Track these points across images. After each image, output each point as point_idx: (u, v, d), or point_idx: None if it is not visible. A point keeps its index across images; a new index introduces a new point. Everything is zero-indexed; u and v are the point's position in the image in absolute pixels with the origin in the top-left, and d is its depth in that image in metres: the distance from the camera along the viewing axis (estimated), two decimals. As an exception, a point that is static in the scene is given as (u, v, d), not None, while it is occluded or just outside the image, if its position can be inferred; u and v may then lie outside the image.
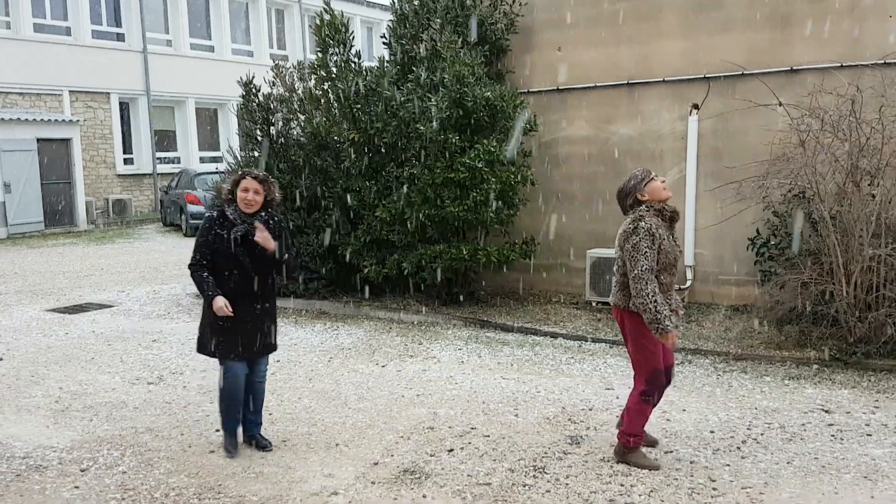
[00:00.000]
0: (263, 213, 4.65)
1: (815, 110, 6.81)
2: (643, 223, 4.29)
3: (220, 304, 4.49)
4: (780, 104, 7.34)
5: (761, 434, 5.02)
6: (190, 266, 4.63)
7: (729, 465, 4.54)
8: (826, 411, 5.44)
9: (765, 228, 7.63)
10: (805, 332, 6.85)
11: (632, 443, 4.53)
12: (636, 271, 4.23)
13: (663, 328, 4.21)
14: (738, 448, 4.80)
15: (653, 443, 4.78)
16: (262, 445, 4.86)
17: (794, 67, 7.89)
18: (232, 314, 4.51)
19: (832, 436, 4.98)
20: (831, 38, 7.75)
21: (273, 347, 4.88)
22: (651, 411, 4.56)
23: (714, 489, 4.22)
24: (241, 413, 4.84)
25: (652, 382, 4.44)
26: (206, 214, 4.77)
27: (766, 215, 7.53)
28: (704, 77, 8.38)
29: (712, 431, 5.08)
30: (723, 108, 8.26)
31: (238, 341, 4.64)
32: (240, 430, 4.89)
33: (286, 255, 4.67)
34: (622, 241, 4.36)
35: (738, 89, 8.14)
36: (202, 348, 4.75)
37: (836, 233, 6.51)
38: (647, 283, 4.21)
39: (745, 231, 7.90)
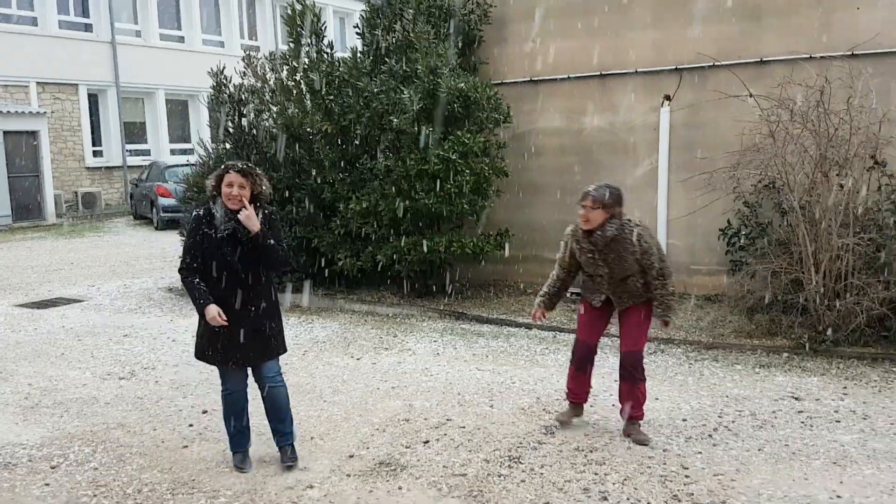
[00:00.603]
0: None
1: (784, 101, 6.89)
2: (569, 227, 4.93)
3: (213, 313, 4.19)
4: (751, 95, 7.41)
5: (732, 422, 5.09)
6: (180, 270, 4.36)
7: (701, 452, 4.60)
8: (796, 398, 5.53)
9: (735, 219, 7.71)
10: (775, 320, 6.94)
11: (566, 395, 5.14)
12: None
13: (536, 302, 5.06)
14: (710, 436, 4.86)
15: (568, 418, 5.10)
16: (285, 461, 4.47)
17: (764, 59, 7.97)
18: (226, 323, 4.22)
19: (802, 423, 5.06)
20: (800, 30, 7.83)
21: (276, 350, 4.45)
22: (573, 376, 5.03)
23: (686, 476, 4.27)
24: (245, 424, 4.53)
25: (574, 344, 5.07)
26: (193, 213, 4.49)
27: (736, 206, 7.61)
28: (676, 69, 8.44)
29: (684, 419, 5.14)
30: (694, 100, 8.33)
31: (235, 347, 4.33)
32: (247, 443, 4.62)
33: (270, 241, 4.25)
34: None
35: (709, 81, 8.21)
36: (201, 355, 4.46)
37: (806, 222, 6.60)
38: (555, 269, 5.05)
39: (716, 222, 7.97)
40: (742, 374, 6.11)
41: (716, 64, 8.14)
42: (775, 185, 7.12)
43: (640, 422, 4.89)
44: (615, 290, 4.81)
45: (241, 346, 4.32)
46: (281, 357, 4.54)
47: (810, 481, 4.20)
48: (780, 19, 7.94)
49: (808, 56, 7.67)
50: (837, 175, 6.66)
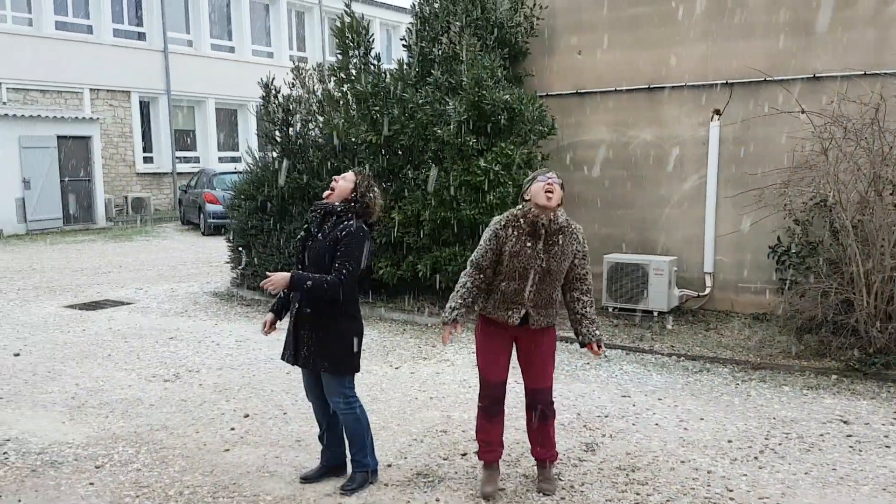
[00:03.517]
0: (339, 205, 4.16)
1: (838, 118, 6.74)
2: (498, 216, 4.15)
3: (264, 319, 4.41)
4: (803, 111, 7.27)
5: (779, 444, 4.96)
6: None
7: (746, 474, 4.49)
8: (845, 422, 5.37)
9: (785, 236, 7.56)
10: (825, 341, 6.77)
11: (479, 454, 4.37)
12: None
13: (443, 317, 4.19)
14: (756, 458, 4.74)
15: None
16: (343, 485, 4.33)
17: (817, 74, 7.82)
18: (265, 334, 4.38)
19: (850, 447, 4.91)
20: (855, 46, 7.67)
21: (315, 364, 4.17)
22: (487, 425, 4.27)
23: (731, 499, 4.17)
24: (321, 434, 4.46)
25: (480, 389, 4.31)
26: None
27: (787, 223, 7.45)
28: (726, 83, 8.32)
29: (730, 441, 5.03)
30: (744, 115, 8.20)
31: (289, 343, 4.27)
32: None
33: (308, 283, 3.98)
34: None
35: (760, 95, 8.08)
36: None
37: (858, 242, 6.44)
38: (464, 273, 4.16)
39: (765, 239, 7.83)
40: (790, 396, 5.96)
41: (767, 79, 8.00)
42: (827, 203, 6.95)
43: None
44: (539, 301, 4.08)
45: (292, 344, 4.24)
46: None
47: (860, 509, 4.08)
48: (834, 34, 7.78)
49: (863, 73, 7.50)
50: (891, 194, 6.49)
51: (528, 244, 4.00)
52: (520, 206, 4.11)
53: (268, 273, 4.06)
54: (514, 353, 4.28)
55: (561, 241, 4.03)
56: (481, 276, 4.10)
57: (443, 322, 4.17)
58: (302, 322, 4.17)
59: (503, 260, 4.04)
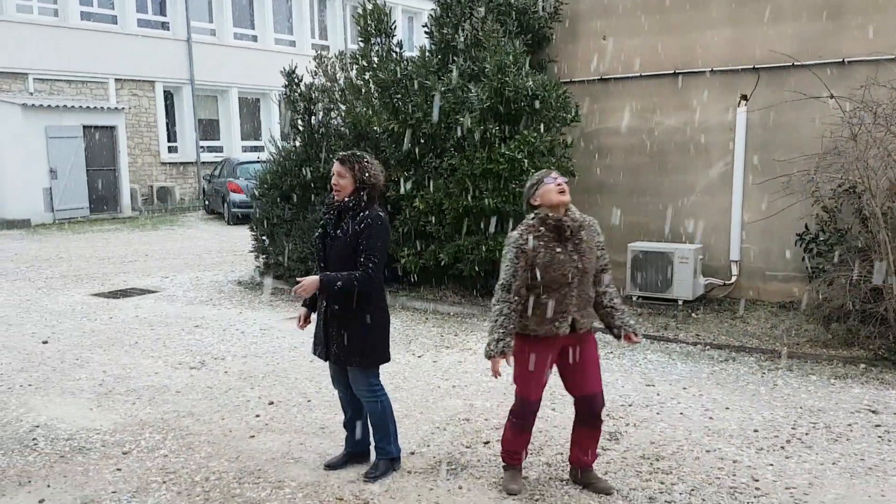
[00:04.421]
0: (350, 199, 4.13)
1: (867, 103, 6.61)
2: (515, 232, 3.91)
3: (299, 313, 4.43)
4: (832, 97, 7.14)
5: (806, 434, 4.91)
6: None
7: (772, 464, 4.44)
8: (873, 412, 5.30)
9: (813, 224, 7.44)
10: (853, 330, 6.67)
11: (503, 457, 4.23)
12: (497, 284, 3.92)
13: (486, 351, 3.88)
14: (783, 448, 4.69)
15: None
16: (367, 472, 4.36)
17: (847, 59, 7.67)
18: (301, 328, 4.41)
19: (879, 437, 4.85)
20: (885, 29, 7.51)
21: (343, 359, 4.20)
22: (518, 438, 4.11)
23: (757, 489, 4.13)
24: (346, 421, 4.50)
25: (516, 407, 4.08)
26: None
27: (815, 210, 7.34)
28: (754, 68, 8.19)
29: (756, 430, 4.97)
30: (772, 100, 8.06)
31: (318, 340, 4.33)
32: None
33: (338, 283, 3.98)
34: None
35: (788, 80, 7.94)
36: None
37: (887, 229, 6.32)
38: (496, 300, 3.89)
39: (793, 226, 7.72)
40: (817, 385, 5.89)
41: (795, 64, 7.87)
42: (856, 190, 6.84)
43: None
44: (581, 303, 3.92)
45: (323, 340, 4.27)
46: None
47: (887, 498, 4.02)
48: (864, 18, 7.62)
49: (893, 57, 7.35)
50: (924, 180, 6.36)
51: (559, 249, 3.84)
52: (531, 216, 3.94)
53: (298, 279, 4.07)
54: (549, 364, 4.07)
55: (585, 237, 3.92)
56: (516, 298, 3.86)
57: (488, 356, 3.88)
58: (331, 319, 4.18)
59: (536, 274, 3.84)
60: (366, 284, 4.02)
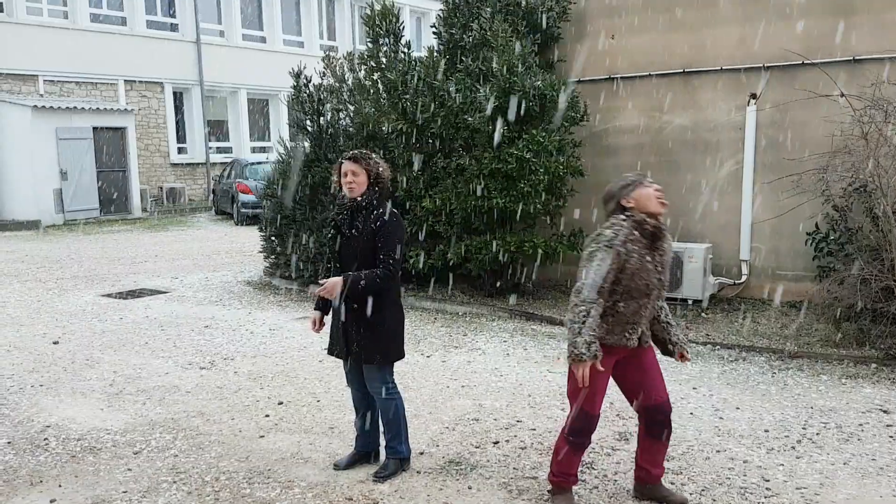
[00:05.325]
0: (362, 198, 4.13)
1: (878, 102, 6.58)
2: (609, 231, 3.63)
3: (311, 316, 4.42)
4: (843, 95, 7.11)
5: (817, 434, 4.88)
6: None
7: (783, 464, 4.43)
8: (884, 411, 5.27)
9: (824, 223, 7.41)
10: (864, 329, 6.64)
11: (553, 480, 3.96)
12: (578, 283, 3.60)
13: (575, 355, 3.52)
14: (793, 448, 4.67)
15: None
16: (376, 471, 4.34)
17: (857, 57, 7.63)
18: (316, 332, 4.38)
19: (891, 437, 4.82)
20: (895, 27, 7.46)
21: (369, 357, 4.19)
22: (575, 457, 3.85)
23: (767, 489, 4.12)
24: (357, 420, 4.49)
25: (577, 422, 3.78)
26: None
27: (825, 209, 7.31)
28: (763, 66, 8.16)
29: (766, 430, 4.95)
30: (782, 99, 8.03)
31: (334, 339, 4.34)
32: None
33: (361, 283, 3.99)
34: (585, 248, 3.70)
35: (798, 79, 7.90)
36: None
37: (899, 228, 6.29)
38: (581, 300, 3.56)
39: (803, 225, 7.68)
40: (828, 385, 5.86)
41: (805, 62, 7.83)
42: (867, 189, 6.79)
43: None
44: (650, 315, 3.78)
45: (342, 340, 4.26)
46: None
47: (901, 500, 4.00)
48: (874, 16, 7.58)
49: (905, 54, 7.32)
50: (935, 179, 6.32)
51: (648, 258, 3.62)
52: (623, 217, 3.66)
53: (321, 281, 4.09)
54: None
55: (666, 248, 3.72)
56: (602, 301, 3.58)
57: (577, 360, 3.52)
58: (350, 318, 4.17)
59: (622, 280, 3.59)
60: (388, 281, 4.07)
